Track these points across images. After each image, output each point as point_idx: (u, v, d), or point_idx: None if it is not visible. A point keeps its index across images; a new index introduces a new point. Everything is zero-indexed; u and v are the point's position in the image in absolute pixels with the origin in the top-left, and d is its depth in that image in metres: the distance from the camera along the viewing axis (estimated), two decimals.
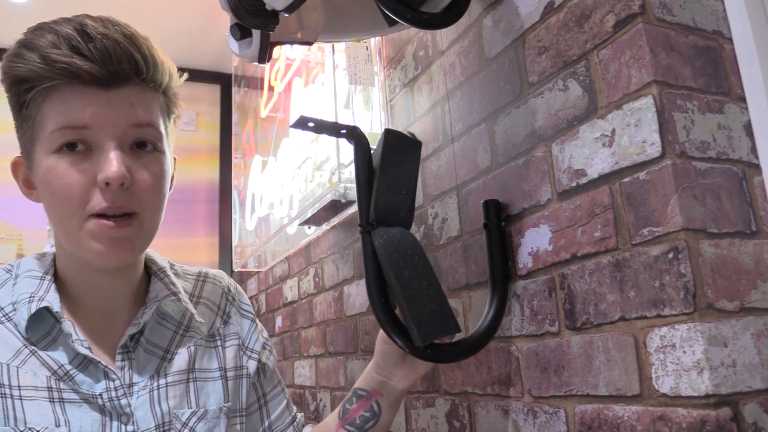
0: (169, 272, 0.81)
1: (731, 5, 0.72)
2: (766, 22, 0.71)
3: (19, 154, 0.72)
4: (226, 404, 0.78)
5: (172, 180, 0.78)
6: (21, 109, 0.68)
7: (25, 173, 0.72)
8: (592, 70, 0.74)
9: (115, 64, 0.65)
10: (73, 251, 0.70)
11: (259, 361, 0.86)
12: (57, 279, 0.74)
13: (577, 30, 0.77)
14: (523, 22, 0.87)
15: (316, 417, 1.66)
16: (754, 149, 0.70)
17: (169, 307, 0.78)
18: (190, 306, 0.79)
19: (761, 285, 0.65)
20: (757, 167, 0.69)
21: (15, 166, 0.73)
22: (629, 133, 0.69)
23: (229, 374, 0.81)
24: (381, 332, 0.82)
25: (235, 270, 2.41)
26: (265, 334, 0.90)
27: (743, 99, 0.71)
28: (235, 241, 2.30)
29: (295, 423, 0.90)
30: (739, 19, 0.71)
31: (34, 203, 0.74)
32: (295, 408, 0.92)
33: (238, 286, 0.91)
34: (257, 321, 0.89)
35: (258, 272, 2.35)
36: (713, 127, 0.68)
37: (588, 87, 0.75)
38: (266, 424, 0.87)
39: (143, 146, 0.69)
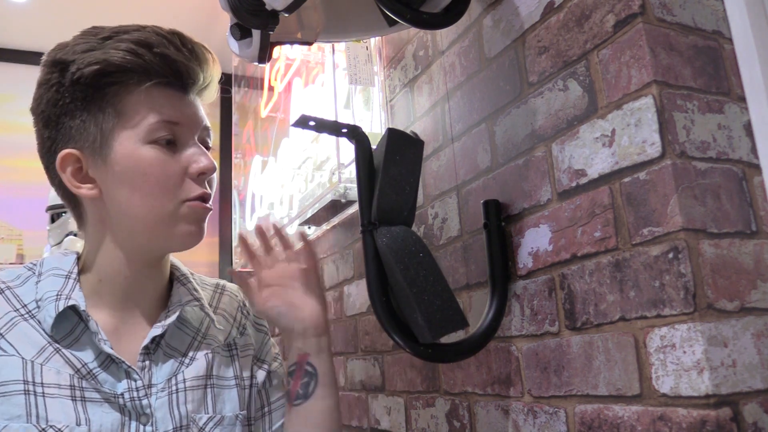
0: (192, 279, 0.83)
1: (731, 5, 0.72)
2: (766, 22, 0.71)
3: (70, 149, 0.71)
4: (241, 412, 0.79)
5: None
6: (96, 99, 0.70)
7: (76, 166, 0.71)
8: (592, 70, 0.74)
9: (211, 71, 0.75)
10: (153, 237, 0.73)
11: (269, 371, 0.87)
12: (80, 278, 0.75)
13: (577, 30, 0.77)
14: (523, 22, 0.87)
15: None
16: (754, 149, 0.70)
17: (189, 314, 0.80)
18: (211, 313, 0.80)
19: (761, 285, 0.65)
20: (757, 167, 0.70)
21: (65, 160, 0.71)
22: (629, 133, 0.69)
23: (245, 383, 0.83)
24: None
25: (235, 270, 2.41)
26: (277, 349, 0.92)
27: (743, 99, 0.71)
28: (235, 241, 2.30)
29: None
30: (739, 19, 0.71)
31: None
32: None
33: None
34: (270, 338, 0.91)
35: None
36: (713, 127, 0.68)
37: (588, 87, 0.75)
38: None
39: (207, 148, 0.77)
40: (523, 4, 0.87)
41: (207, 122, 0.77)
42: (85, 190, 0.72)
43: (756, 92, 0.70)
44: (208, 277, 0.90)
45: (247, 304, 0.90)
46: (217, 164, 0.76)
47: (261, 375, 0.86)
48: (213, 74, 0.76)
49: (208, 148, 0.77)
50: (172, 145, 0.72)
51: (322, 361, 0.79)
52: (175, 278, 0.81)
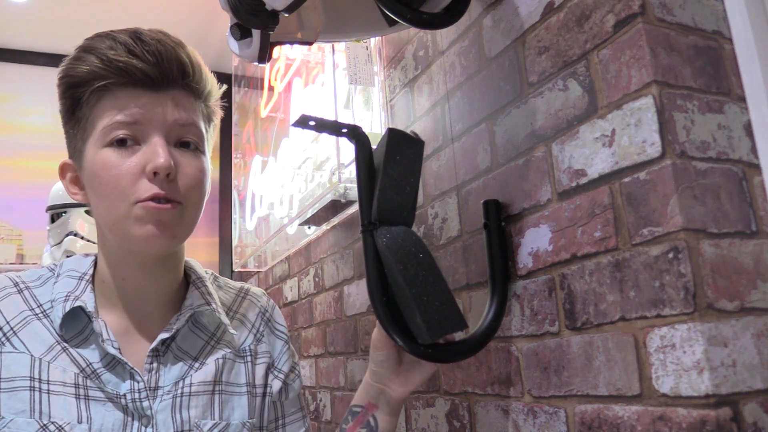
0: (208, 283, 0.83)
1: (731, 5, 0.72)
2: (766, 22, 0.71)
3: (68, 158, 0.76)
4: (250, 420, 0.79)
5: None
6: (74, 110, 0.73)
7: (72, 174, 0.76)
8: (592, 70, 0.74)
9: (165, 64, 0.71)
10: (118, 240, 0.72)
11: (284, 382, 0.86)
12: (94, 280, 0.77)
13: (577, 30, 0.77)
14: (523, 22, 0.87)
15: (316, 417, 1.66)
16: (754, 149, 0.70)
17: (206, 317, 0.80)
18: (224, 317, 0.80)
19: (761, 285, 0.65)
20: (757, 167, 0.70)
21: (63, 169, 0.77)
22: (629, 133, 0.69)
23: (258, 391, 0.82)
24: (373, 338, 0.80)
25: (235, 270, 2.41)
26: (296, 358, 0.91)
27: (743, 99, 0.71)
28: (235, 241, 2.30)
29: None
30: (739, 19, 0.71)
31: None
32: None
33: (276, 306, 0.92)
34: (290, 344, 0.90)
35: (258, 272, 2.35)
36: (713, 127, 0.69)
37: (588, 87, 0.75)
38: None
39: (187, 145, 0.74)
40: (523, 4, 0.87)
41: (182, 119, 0.72)
42: (79, 196, 0.76)
43: (756, 92, 0.70)
44: (234, 281, 0.90)
45: (269, 310, 0.89)
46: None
47: (276, 384, 0.84)
48: (176, 68, 0.72)
49: (187, 145, 0.74)
50: (132, 145, 0.70)
51: (387, 426, 0.81)
52: (191, 281, 0.81)
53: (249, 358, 0.82)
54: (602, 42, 0.73)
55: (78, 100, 0.72)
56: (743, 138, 0.70)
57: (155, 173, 0.69)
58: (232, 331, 0.80)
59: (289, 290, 1.95)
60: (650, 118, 0.66)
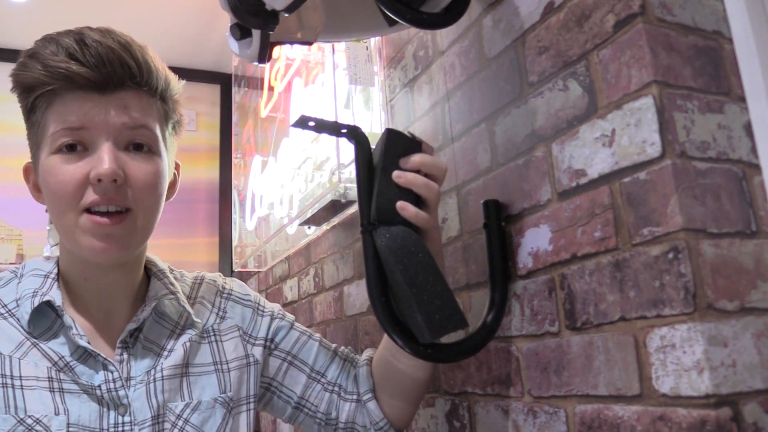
0: (169, 274, 0.84)
1: (731, 5, 0.72)
2: (766, 22, 0.71)
3: (29, 161, 0.77)
4: (222, 395, 0.80)
5: (174, 185, 0.83)
6: (30, 115, 0.74)
7: (34, 177, 0.77)
8: (592, 70, 0.74)
9: (108, 68, 0.69)
10: (71, 248, 0.74)
11: (266, 338, 0.89)
12: (59, 279, 0.77)
13: (577, 30, 0.77)
14: (523, 22, 0.87)
15: None
16: (754, 149, 0.70)
17: (167, 308, 0.81)
18: (188, 306, 0.82)
19: (761, 285, 0.65)
20: (757, 167, 0.70)
21: (26, 172, 0.78)
22: (629, 133, 0.69)
23: (232, 365, 0.83)
24: None
25: (235, 270, 2.41)
26: (276, 310, 0.92)
27: (743, 99, 0.71)
28: (235, 241, 2.29)
29: (339, 351, 0.91)
30: (739, 19, 0.71)
31: (34, 203, 0.80)
32: (334, 344, 0.93)
33: (235, 281, 0.94)
34: (261, 307, 0.92)
35: (258, 272, 2.35)
36: (713, 127, 0.69)
37: (588, 87, 0.75)
38: (307, 371, 0.89)
39: (140, 148, 0.73)
40: (523, 4, 0.87)
41: (131, 121, 0.71)
42: (41, 200, 0.76)
43: (756, 92, 0.70)
44: (189, 272, 0.92)
45: (227, 287, 0.91)
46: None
47: (258, 351, 0.87)
48: (120, 70, 0.70)
49: (141, 147, 0.72)
50: (81, 151, 0.70)
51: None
52: (152, 274, 0.82)
53: (213, 338, 0.84)
54: (602, 42, 0.73)
55: (31, 105, 0.72)
56: (743, 138, 0.70)
57: (99, 180, 0.68)
58: (196, 319, 0.82)
59: (289, 290, 1.95)
60: (650, 118, 0.66)
